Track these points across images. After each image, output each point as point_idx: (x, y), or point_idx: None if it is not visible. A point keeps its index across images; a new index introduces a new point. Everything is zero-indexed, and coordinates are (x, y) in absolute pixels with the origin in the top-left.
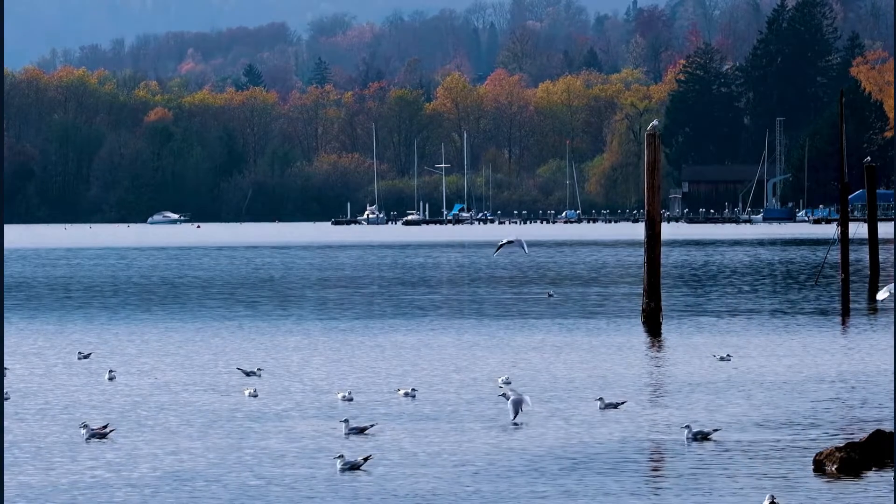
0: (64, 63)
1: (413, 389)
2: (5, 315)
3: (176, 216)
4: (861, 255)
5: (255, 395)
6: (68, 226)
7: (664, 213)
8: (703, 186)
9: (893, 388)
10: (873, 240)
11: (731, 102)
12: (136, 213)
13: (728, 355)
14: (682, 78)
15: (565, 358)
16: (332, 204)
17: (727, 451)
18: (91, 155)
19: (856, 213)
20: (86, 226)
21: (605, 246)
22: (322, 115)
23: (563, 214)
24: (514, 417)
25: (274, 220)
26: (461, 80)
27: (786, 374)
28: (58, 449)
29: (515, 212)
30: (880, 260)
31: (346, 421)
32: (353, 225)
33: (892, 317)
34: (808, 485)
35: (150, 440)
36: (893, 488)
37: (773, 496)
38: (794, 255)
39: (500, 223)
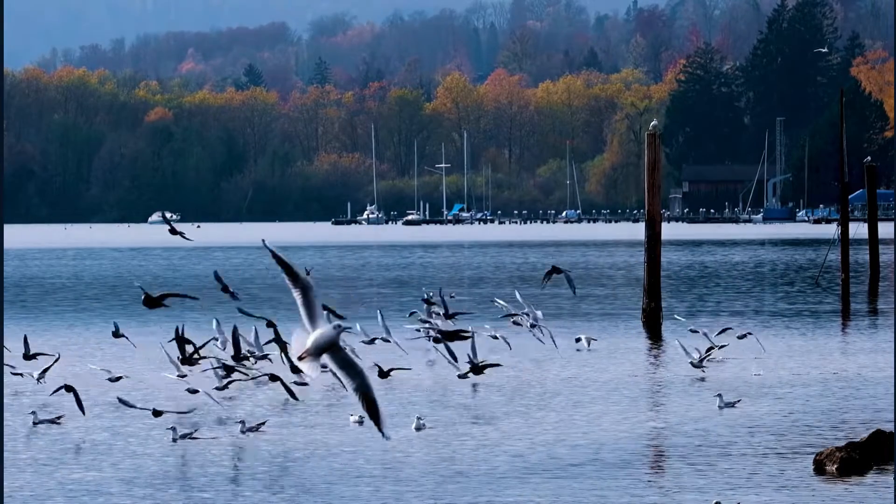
0: (64, 63)
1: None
2: None
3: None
4: (861, 255)
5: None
6: (68, 226)
7: (664, 212)
8: (703, 186)
9: (893, 388)
10: (873, 240)
11: (731, 102)
12: (136, 213)
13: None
14: (683, 78)
15: (565, 357)
16: (332, 204)
17: (728, 450)
18: (91, 155)
19: (856, 213)
20: (86, 225)
21: (606, 245)
22: (322, 115)
23: (564, 214)
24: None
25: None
26: (461, 80)
27: (786, 374)
28: None
29: (515, 212)
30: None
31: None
32: (353, 225)
33: (893, 317)
34: (809, 485)
35: None
36: (893, 488)
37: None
38: (794, 255)
39: (501, 223)
